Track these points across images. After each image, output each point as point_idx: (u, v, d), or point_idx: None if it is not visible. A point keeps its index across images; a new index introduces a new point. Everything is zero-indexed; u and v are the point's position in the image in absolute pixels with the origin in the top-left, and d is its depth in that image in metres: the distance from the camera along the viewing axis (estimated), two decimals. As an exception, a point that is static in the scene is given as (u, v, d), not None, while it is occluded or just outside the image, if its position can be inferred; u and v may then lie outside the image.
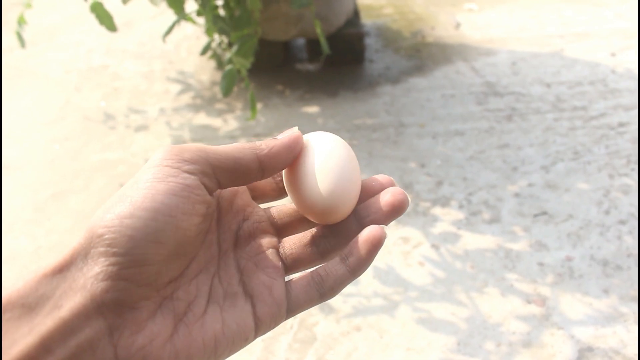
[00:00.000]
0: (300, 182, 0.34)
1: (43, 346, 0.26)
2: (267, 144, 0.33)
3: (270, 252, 0.35)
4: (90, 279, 0.28)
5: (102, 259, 0.28)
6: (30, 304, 0.27)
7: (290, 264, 0.35)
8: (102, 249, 0.28)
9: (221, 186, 0.32)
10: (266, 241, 0.35)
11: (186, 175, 0.30)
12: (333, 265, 0.34)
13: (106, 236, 0.28)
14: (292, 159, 0.34)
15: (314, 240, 0.36)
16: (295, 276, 0.35)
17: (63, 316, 0.27)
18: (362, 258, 0.33)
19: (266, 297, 0.33)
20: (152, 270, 0.29)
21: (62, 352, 0.26)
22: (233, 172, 0.32)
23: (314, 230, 0.36)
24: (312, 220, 0.35)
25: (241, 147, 0.33)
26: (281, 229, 0.37)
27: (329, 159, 0.34)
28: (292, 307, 0.34)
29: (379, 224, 0.34)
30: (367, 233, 0.33)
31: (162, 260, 0.29)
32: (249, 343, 0.33)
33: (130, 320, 0.28)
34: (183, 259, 0.31)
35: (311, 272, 0.35)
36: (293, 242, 0.36)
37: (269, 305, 0.33)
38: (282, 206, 0.38)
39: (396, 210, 0.34)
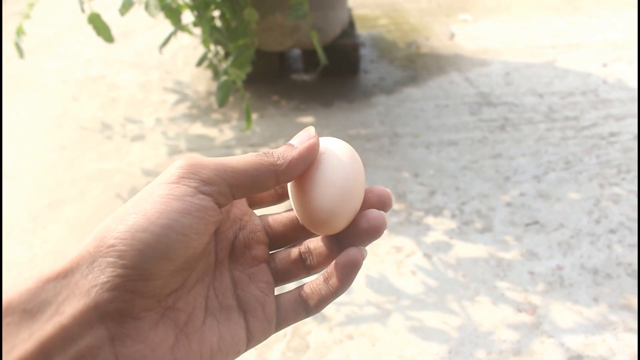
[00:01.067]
0: (305, 191, 0.34)
1: (42, 352, 0.26)
2: (284, 157, 0.33)
3: (262, 267, 0.36)
4: (95, 287, 0.27)
5: (110, 269, 0.28)
6: (31, 309, 0.26)
7: (280, 278, 0.37)
8: (111, 260, 0.28)
9: (235, 199, 0.32)
10: (260, 253, 0.36)
11: (203, 196, 0.30)
12: (317, 285, 0.35)
13: (117, 247, 0.28)
14: (307, 167, 0.34)
15: (301, 256, 0.37)
16: (284, 291, 0.36)
17: (64, 322, 0.26)
18: (342, 280, 0.34)
19: (259, 313, 0.34)
20: (158, 284, 0.29)
21: (61, 358, 0.26)
22: (250, 188, 0.32)
23: (301, 247, 0.37)
24: (309, 228, 0.36)
25: (258, 163, 0.32)
26: (276, 238, 0.38)
27: (337, 171, 0.34)
28: (280, 322, 0.35)
29: (356, 245, 0.35)
30: (345, 257, 0.34)
31: (169, 275, 0.29)
32: (239, 355, 0.33)
33: (133, 330, 0.28)
34: (187, 273, 0.31)
35: (298, 289, 0.36)
36: (282, 257, 0.37)
37: (260, 321, 0.34)
38: (278, 215, 0.39)
39: (373, 234, 0.35)
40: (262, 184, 0.32)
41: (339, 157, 0.35)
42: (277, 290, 0.36)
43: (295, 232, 0.38)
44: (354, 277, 0.34)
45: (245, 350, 0.34)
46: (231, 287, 0.34)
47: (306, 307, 0.35)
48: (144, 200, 0.30)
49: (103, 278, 0.27)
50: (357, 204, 0.35)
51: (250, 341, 0.34)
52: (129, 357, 0.28)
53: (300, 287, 0.36)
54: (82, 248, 0.29)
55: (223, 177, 0.31)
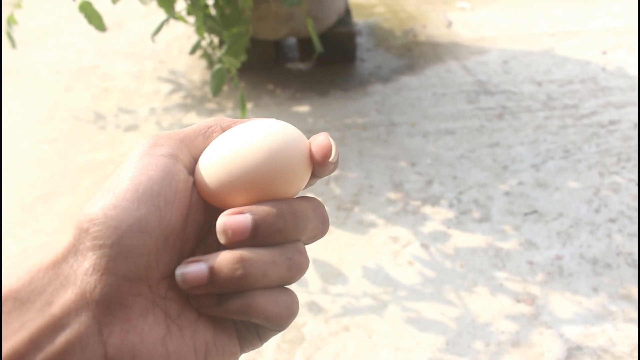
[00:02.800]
0: (212, 150, 0.31)
1: (32, 342, 0.26)
2: (232, 120, 0.34)
3: None
4: (80, 275, 0.27)
5: (90, 254, 0.27)
6: (22, 298, 0.26)
7: None
8: (88, 244, 0.28)
9: (194, 159, 0.32)
10: None
11: (164, 160, 0.30)
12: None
13: (91, 230, 0.28)
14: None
15: None
16: None
17: (53, 312, 0.26)
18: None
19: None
20: (141, 262, 0.28)
21: (51, 348, 0.26)
22: (204, 145, 0.32)
23: None
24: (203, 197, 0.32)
25: (206, 121, 0.33)
26: None
27: (247, 144, 0.31)
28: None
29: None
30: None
31: (150, 251, 0.29)
32: (237, 357, 0.32)
33: (121, 318, 0.28)
34: (172, 252, 0.30)
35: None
36: None
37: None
38: None
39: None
40: (213, 138, 0.33)
41: (257, 126, 0.31)
42: None
43: None
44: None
45: (242, 353, 0.32)
46: None
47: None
48: (111, 181, 0.30)
49: (86, 264, 0.27)
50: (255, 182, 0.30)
51: (244, 347, 0.32)
52: (117, 345, 0.28)
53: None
54: (66, 238, 0.29)
55: (177, 138, 0.31)
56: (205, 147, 0.32)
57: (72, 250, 0.28)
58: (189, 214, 0.31)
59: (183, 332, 0.30)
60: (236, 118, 1.32)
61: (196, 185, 0.32)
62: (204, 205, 0.32)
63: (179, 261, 0.31)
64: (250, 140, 0.31)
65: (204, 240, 0.32)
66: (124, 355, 0.28)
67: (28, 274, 0.27)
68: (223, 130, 0.33)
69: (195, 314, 0.31)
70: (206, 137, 0.33)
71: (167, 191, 0.30)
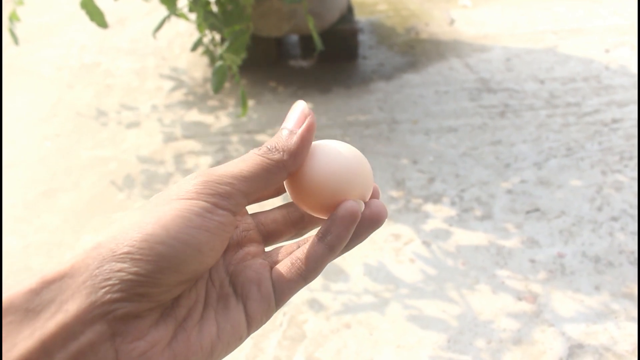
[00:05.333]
0: (306, 178, 0.33)
1: (44, 349, 0.26)
2: (288, 149, 0.32)
3: (256, 259, 0.35)
4: (103, 289, 0.27)
5: (122, 274, 0.28)
6: (34, 309, 0.26)
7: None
8: (124, 265, 0.28)
9: (249, 204, 0.33)
10: (253, 249, 0.36)
11: (222, 212, 0.30)
12: (312, 247, 0.33)
13: (132, 255, 0.28)
14: (310, 146, 0.33)
15: (298, 246, 0.36)
16: (276, 265, 0.35)
17: (66, 320, 0.26)
18: (340, 234, 0.33)
19: (255, 294, 0.33)
20: (165, 290, 0.29)
21: (62, 355, 0.26)
22: (263, 190, 0.32)
23: (300, 240, 0.36)
24: (317, 214, 0.35)
25: (267, 163, 0.32)
26: (269, 235, 0.38)
27: (333, 156, 0.33)
28: (279, 298, 0.34)
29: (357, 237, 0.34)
30: (344, 209, 0.32)
31: (176, 284, 0.30)
32: (243, 341, 0.33)
33: (134, 327, 0.28)
34: (193, 283, 0.31)
35: (290, 258, 0.34)
36: (277, 250, 0.36)
37: (258, 302, 0.33)
38: (269, 212, 0.38)
39: (375, 222, 0.34)
40: (274, 183, 0.32)
41: (333, 146, 0.34)
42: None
43: (287, 228, 0.38)
44: (351, 232, 0.33)
45: (248, 335, 0.33)
46: (227, 278, 0.34)
47: (302, 273, 0.33)
48: (161, 211, 0.29)
49: (114, 280, 0.28)
50: (362, 190, 0.34)
51: (251, 325, 0.33)
52: (128, 353, 0.28)
53: (292, 255, 0.34)
54: (90, 250, 0.28)
55: (239, 189, 0.31)
56: (264, 190, 0.32)
57: (99, 262, 0.28)
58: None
59: (189, 334, 0.31)
60: (239, 114, 1.32)
61: (302, 204, 0.34)
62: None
63: (189, 286, 0.32)
64: (346, 155, 0.34)
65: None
66: None
67: (39, 283, 0.27)
68: (286, 168, 0.32)
69: (199, 315, 0.32)
70: (268, 185, 0.32)
71: (216, 241, 0.30)
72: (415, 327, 0.97)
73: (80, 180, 1.36)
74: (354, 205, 0.33)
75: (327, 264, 0.34)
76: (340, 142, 0.35)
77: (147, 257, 0.28)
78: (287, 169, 0.32)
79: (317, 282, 1.05)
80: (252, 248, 0.36)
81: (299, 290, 0.34)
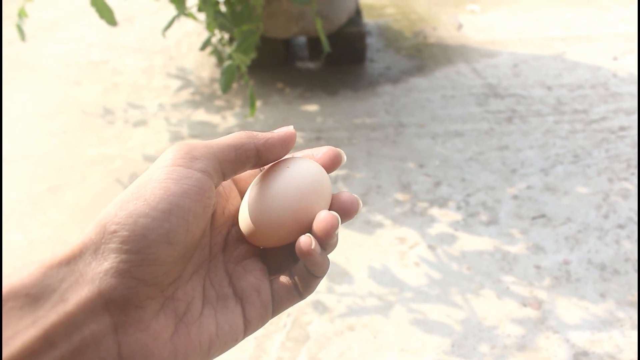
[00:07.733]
0: (249, 195, 0.35)
1: (46, 339, 0.26)
2: (263, 135, 0.34)
3: (255, 259, 0.36)
4: (99, 274, 0.28)
5: (113, 255, 0.28)
6: (35, 295, 0.26)
7: (273, 270, 0.36)
8: (114, 246, 0.28)
9: (224, 178, 0.33)
10: (252, 247, 0.36)
11: (199, 175, 0.31)
12: (301, 269, 0.35)
13: (119, 233, 0.28)
14: (285, 153, 0.35)
15: (290, 252, 0.37)
16: (277, 276, 0.36)
17: (68, 310, 0.26)
18: (330, 244, 0.34)
19: (255, 300, 0.34)
20: (161, 270, 0.29)
21: (65, 346, 0.26)
22: (234, 162, 0.33)
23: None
24: (245, 235, 0.36)
25: (239, 136, 0.34)
26: None
27: (286, 185, 0.34)
28: (276, 306, 0.35)
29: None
30: (321, 221, 0.33)
31: (171, 262, 0.30)
32: (237, 343, 0.34)
33: (136, 319, 0.28)
34: (186, 262, 0.32)
35: (289, 273, 0.35)
36: (274, 250, 0.37)
37: (257, 307, 0.34)
38: None
39: (347, 211, 0.35)
40: (245, 155, 0.33)
41: (295, 173, 0.35)
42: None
43: None
44: (333, 240, 0.34)
45: (243, 338, 0.34)
46: (226, 278, 0.34)
47: (299, 289, 0.35)
48: (142, 186, 0.30)
49: (107, 265, 0.28)
50: (298, 220, 0.34)
51: (248, 328, 0.34)
52: (130, 345, 0.28)
53: (291, 272, 0.35)
54: (85, 235, 0.29)
55: (212, 153, 0.32)
56: (236, 165, 0.34)
57: (92, 248, 0.28)
58: (206, 227, 0.33)
59: (189, 329, 0.31)
60: (246, 115, 1.32)
61: (243, 229, 0.35)
62: (217, 219, 0.35)
63: (186, 266, 0.32)
64: (290, 181, 0.35)
65: (200, 243, 0.34)
66: (136, 354, 0.28)
67: (40, 269, 0.27)
68: (257, 149, 0.34)
69: (199, 311, 0.32)
70: (238, 155, 0.33)
71: (197, 207, 0.31)
72: (419, 331, 0.96)
73: (86, 177, 1.36)
74: (328, 216, 0.33)
75: (317, 283, 0.35)
76: (315, 169, 0.35)
77: (133, 233, 0.28)
78: (258, 148, 0.34)
79: (322, 284, 1.05)
80: (251, 246, 0.36)
81: (295, 303, 0.35)
